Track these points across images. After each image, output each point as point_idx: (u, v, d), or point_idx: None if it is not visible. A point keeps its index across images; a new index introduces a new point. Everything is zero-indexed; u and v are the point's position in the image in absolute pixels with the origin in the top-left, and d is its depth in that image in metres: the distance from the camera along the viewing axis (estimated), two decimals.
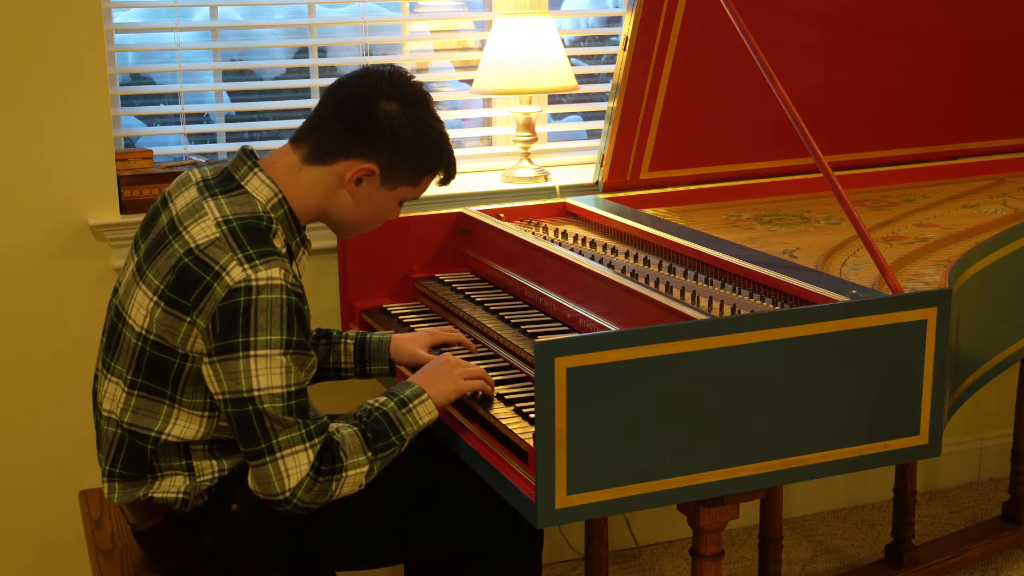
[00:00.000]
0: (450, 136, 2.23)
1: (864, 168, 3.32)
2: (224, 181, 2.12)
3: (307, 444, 1.99)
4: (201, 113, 3.19)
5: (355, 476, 2.03)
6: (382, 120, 2.11)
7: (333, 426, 2.05)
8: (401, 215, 2.85)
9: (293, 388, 1.99)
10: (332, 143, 2.13)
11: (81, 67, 2.82)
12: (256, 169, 2.12)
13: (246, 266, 1.97)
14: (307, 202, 2.15)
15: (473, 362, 2.32)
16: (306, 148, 2.15)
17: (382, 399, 2.13)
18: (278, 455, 1.98)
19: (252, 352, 1.96)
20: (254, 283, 1.96)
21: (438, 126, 2.19)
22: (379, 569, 2.37)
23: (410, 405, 2.12)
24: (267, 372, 1.97)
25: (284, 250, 2.10)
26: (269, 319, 1.97)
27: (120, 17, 3.16)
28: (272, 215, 2.09)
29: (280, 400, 1.97)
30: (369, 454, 2.05)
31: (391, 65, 2.18)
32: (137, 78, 3.20)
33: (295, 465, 1.98)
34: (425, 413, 2.13)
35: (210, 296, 1.97)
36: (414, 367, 2.38)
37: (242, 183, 2.11)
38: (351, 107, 2.12)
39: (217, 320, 1.97)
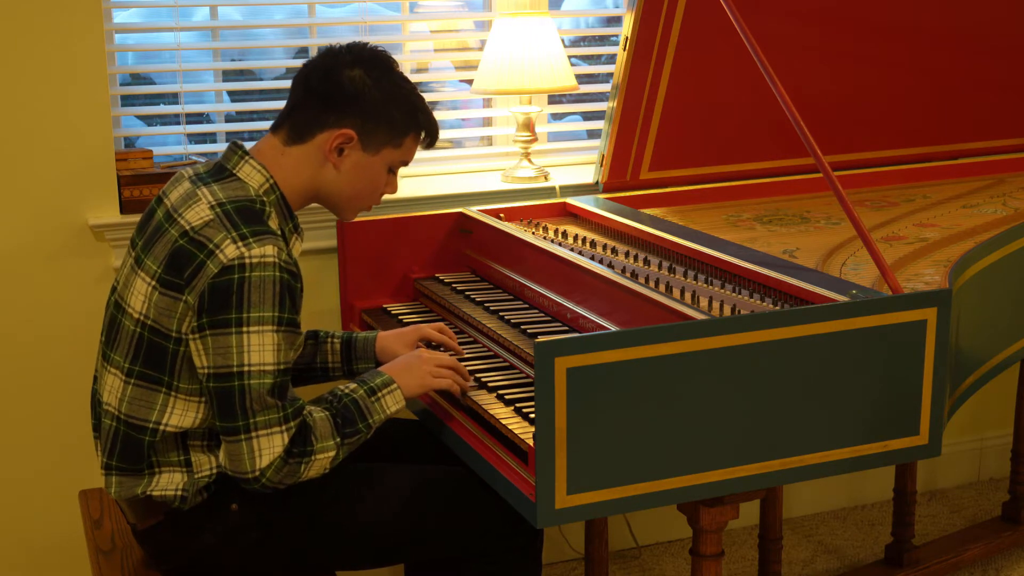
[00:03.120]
0: (424, 96, 2.25)
1: (864, 168, 3.32)
2: (216, 172, 2.15)
3: (283, 427, 2.01)
4: (201, 113, 3.19)
5: (322, 460, 2.06)
6: (347, 85, 2.15)
7: (306, 408, 2.07)
8: (401, 215, 2.86)
9: (281, 366, 2.02)
10: (307, 119, 2.16)
11: (81, 67, 2.82)
12: (247, 157, 2.15)
13: (240, 244, 1.99)
14: (295, 183, 2.17)
15: (467, 362, 2.32)
16: (285, 131, 2.19)
17: (352, 385, 2.15)
18: (254, 434, 2.00)
19: (245, 328, 1.98)
20: (247, 260, 1.98)
21: (407, 85, 2.22)
22: (379, 569, 2.37)
23: (379, 394, 2.15)
24: (259, 349, 1.99)
25: (278, 233, 2.11)
26: (262, 296, 1.99)
27: (120, 17, 3.16)
28: (265, 199, 2.12)
29: (269, 377, 1.99)
30: (338, 439, 2.07)
31: (350, 42, 2.22)
32: (137, 78, 3.20)
33: (269, 446, 2.00)
34: (393, 403, 2.16)
35: (203, 272, 1.99)
36: None
37: (234, 171, 2.14)
38: (316, 81, 2.17)
39: (207, 295, 1.98)
